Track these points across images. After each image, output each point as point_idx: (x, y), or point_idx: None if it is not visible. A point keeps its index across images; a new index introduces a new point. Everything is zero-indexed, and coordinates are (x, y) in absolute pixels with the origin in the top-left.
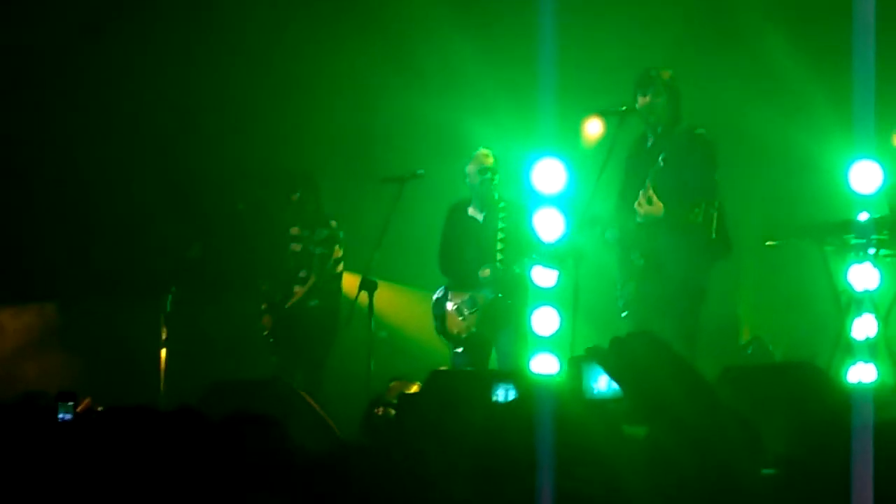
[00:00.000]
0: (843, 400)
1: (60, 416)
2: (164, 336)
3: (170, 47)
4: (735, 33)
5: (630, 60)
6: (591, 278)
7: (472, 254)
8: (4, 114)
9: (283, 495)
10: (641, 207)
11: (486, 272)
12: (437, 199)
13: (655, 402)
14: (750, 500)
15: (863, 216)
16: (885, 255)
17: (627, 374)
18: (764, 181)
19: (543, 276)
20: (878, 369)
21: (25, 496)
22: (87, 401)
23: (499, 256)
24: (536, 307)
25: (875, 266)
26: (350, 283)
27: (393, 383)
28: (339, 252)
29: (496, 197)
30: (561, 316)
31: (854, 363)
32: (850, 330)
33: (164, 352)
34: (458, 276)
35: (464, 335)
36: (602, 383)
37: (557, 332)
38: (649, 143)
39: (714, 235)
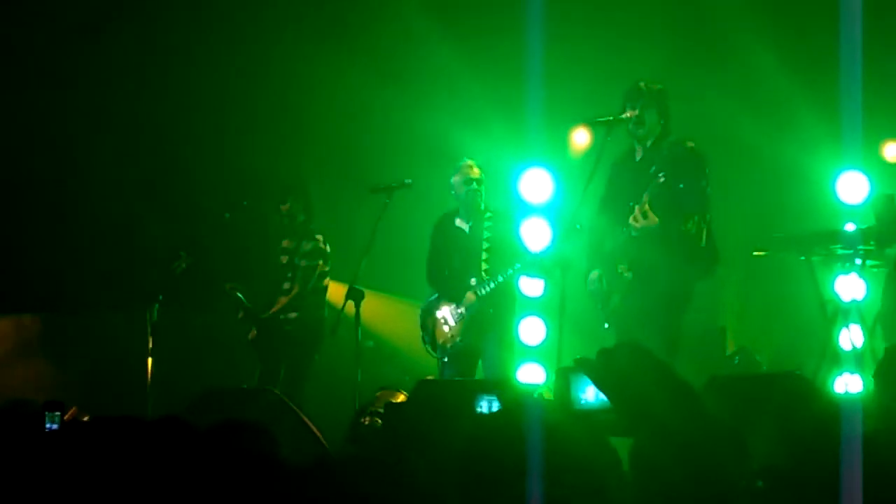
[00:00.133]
0: (830, 410)
1: (47, 425)
2: (151, 345)
3: (159, 61)
4: (723, 46)
5: (618, 72)
6: (578, 288)
7: (459, 264)
8: None
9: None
10: (637, 221)
11: (471, 298)
12: (425, 208)
13: (642, 413)
14: None
15: (849, 227)
16: (872, 266)
17: (615, 385)
18: (751, 192)
19: (530, 287)
20: (864, 380)
21: None
22: (73, 410)
23: (484, 266)
24: (523, 317)
25: (861, 276)
26: (337, 292)
27: (380, 392)
28: (324, 266)
29: (482, 207)
30: (547, 326)
31: (841, 373)
32: (837, 340)
33: (150, 361)
34: (445, 287)
35: (449, 345)
36: (590, 394)
37: (544, 342)
38: (638, 157)
39: (703, 245)
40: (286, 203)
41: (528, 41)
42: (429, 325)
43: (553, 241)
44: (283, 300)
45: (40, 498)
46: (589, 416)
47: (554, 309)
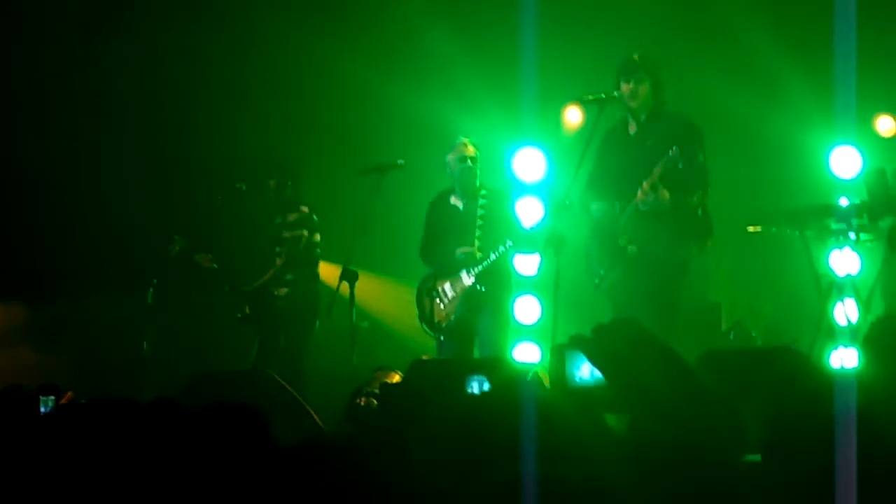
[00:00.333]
0: (825, 384)
1: (42, 409)
2: (146, 328)
3: (152, 48)
4: (715, 20)
5: (610, 49)
6: (572, 266)
7: (453, 242)
8: None
9: (263, 485)
10: (648, 196)
11: (464, 249)
12: (418, 188)
13: (638, 389)
14: (732, 485)
15: (843, 201)
16: (866, 240)
17: (610, 362)
18: (744, 167)
19: (525, 265)
20: (859, 354)
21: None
22: (69, 394)
23: (476, 244)
24: (518, 296)
25: (855, 251)
26: (331, 273)
27: (375, 373)
28: (310, 236)
29: (477, 185)
30: (542, 305)
31: (836, 348)
32: (832, 315)
33: (146, 344)
34: (440, 265)
35: (444, 323)
36: (585, 371)
37: (539, 320)
38: (632, 131)
39: (700, 217)
40: (273, 178)
41: (521, 19)
42: (425, 303)
43: (546, 218)
44: (271, 272)
45: (36, 480)
46: (584, 392)
47: (548, 287)
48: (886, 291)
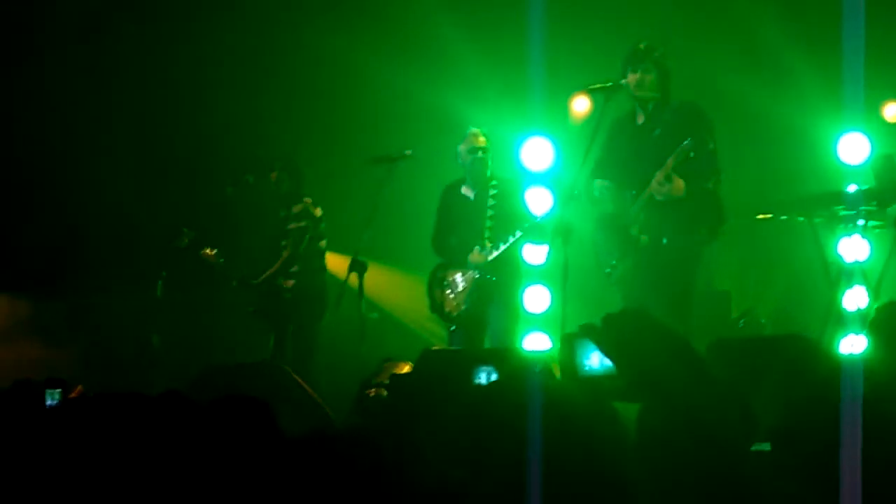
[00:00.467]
0: (834, 371)
1: (48, 402)
2: (156, 322)
3: (158, 41)
4: (723, 8)
5: (618, 38)
6: (580, 255)
7: (464, 232)
8: None
9: (273, 476)
10: (662, 187)
11: (476, 255)
12: (427, 179)
13: (648, 378)
14: (741, 473)
15: (851, 188)
16: (874, 227)
17: (620, 351)
18: (752, 155)
19: (533, 255)
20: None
21: (13, 483)
22: (79, 388)
23: (486, 234)
24: (527, 286)
25: (864, 237)
26: (340, 264)
27: (385, 364)
28: (314, 228)
29: (488, 175)
30: (552, 294)
31: (845, 335)
32: (841, 302)
33: (156, 337)
34: (451, 255)
35: (454, 313)
36: (595, 360)
37: (548, 309)
38: (640, 121)
39: (712, 206)
40: (274, 171)
41: (529, 8)
42: (436, 293)
43: (554, 208)
44: (277, 264)
45: (47, 473)
46: (594, 382)
47: (557, 276)
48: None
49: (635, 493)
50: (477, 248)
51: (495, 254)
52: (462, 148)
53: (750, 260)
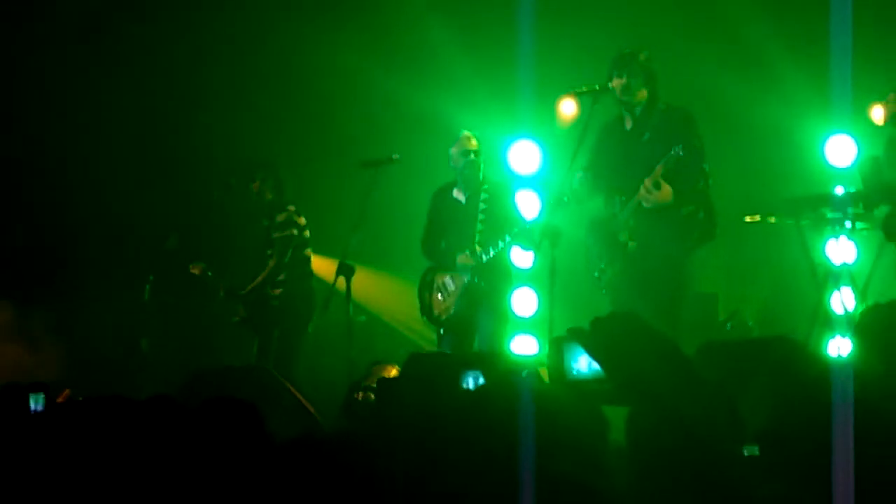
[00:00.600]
0: (822, 373)
1: (32, 406)
2: (144, 326)
3: (147, 47)
4: (711, 10)
5: (604, 39)
6: (568, 258)
7: (454, 236)
8: None
9: (260, 480)
10: (651, 193)
11: (464, 258)
12: (414, 183)
13: (637, 382)
14: (731, 475)
15: (839, 190)
16: (862, 229)
17: (608, 354)
18: (739, 157)
19: (521, 258)
20: (852, 342)
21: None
22: (66, 392)
23: (477, 238)
24: (515, 289)
25: (851, 239)
26: (327, 267)
27: (373, 367)
28: (299, 236)
29: (480, 178)
30: (539, 297)
31: (832, 337)
32: (828, 304)
33: (144, 341)
34: (441, 258)
35: (444, 317)
36: (583, 364)
37: (536, 313)
38: (628, 126)
39: (702, 216)
40: (255, 181)
41: (518, 10)
42: (425, 296)
43: (541, 212)
44: (263, 274)
45: (35, 477)
46: (582, 386)
47: (544, 280)
48: (882, 280)
49: (624, 495)
50: (467, 251)
51: (485, 258)
52: (454, 151)
53: (737, 262)
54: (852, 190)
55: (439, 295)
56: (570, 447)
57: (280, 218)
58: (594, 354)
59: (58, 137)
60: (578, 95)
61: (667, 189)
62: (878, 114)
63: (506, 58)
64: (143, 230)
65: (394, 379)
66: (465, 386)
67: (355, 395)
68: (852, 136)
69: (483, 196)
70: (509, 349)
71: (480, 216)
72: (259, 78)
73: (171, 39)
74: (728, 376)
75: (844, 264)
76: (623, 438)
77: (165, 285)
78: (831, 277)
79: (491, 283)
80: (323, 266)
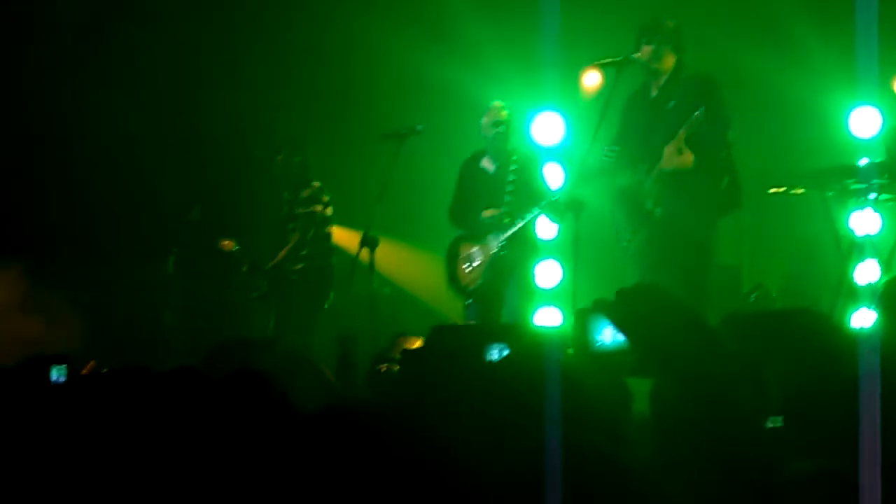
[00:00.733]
0: (845, 345)
1: (53, 378)
2: (167, 298)
3: (170, 15)
4: None
5: (628, 11)
6: (592, 230)
7: (483, 205)
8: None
9: (283, 451)
10: (673, 159)
11: (490, 211)
12: (438, 154)
13: (661, 353)
14: (755, 448)
15: (863, 161)
16: (886, 200)
17: (633, 326)
18: (764, 129)
19: (545, 229)
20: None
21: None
22: (91, 364)
23: (505, 209)
24: (539, 260)
25: (876, 211)
26: (351, 240)
27: (397, 339)
28: (323, 212)
29: (509, 149)
30: (563, 268)
31: (857, 308)
32: (853, 275)
33: (168, 313)
34: (469, 228)
35: (470, 287)
36: (607, 335)
37: (560, 284)
38: (653, 94)
39: (727, 183)
40: (280, 154)
41: None
42: (452, 267)
43: (565, 183)
44: (286, 249)
45: (59, 448)
46: (606, 357)
47: (568, 251)
48: None
49: (647, 465)
50: (491, 235)
51: (507, 235)
52: (485, 121)
53: (760, 234)
54: (877, 161)
55: (466, 265)
56: (593, 418)
57: (305, 193)
58: (618, 326)
59: (80, 112)
60: (602, 67)
61: (688, 154)
62: None
63: (529, 28)
64: (166, 203)
65: (416, 350)
66: (489, 358)
67: (379, 367)
68: (877, 108)
69: (512, 167)
70: (531, 321)
71: (509, 186)
72: (283, 53)
73: (199, 16)
74: (752, 348)
75: (868, 235)
76: (647, 409)
77: (189, 257)
78: (855, 249)
79: (518, 255)
80: (346, 238)
